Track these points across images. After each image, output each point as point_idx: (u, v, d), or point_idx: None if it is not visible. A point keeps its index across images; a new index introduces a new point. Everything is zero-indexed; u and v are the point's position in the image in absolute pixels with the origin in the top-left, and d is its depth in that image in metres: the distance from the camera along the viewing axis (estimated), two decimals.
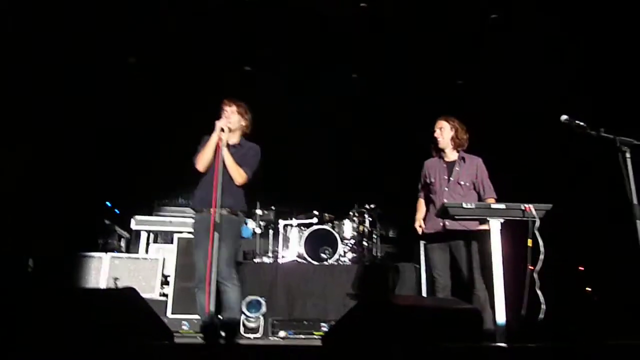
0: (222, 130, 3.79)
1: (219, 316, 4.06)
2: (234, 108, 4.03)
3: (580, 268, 5.93)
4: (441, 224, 3.91)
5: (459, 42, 6.15)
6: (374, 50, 6.38)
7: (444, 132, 4.08)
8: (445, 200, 3.83)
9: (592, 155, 4.21)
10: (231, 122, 3.96)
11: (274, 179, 6.83)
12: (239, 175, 3.88)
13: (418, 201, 4.26)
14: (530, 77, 5.98)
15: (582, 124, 3.35)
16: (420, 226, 4.15)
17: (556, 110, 3.50)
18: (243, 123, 4.07)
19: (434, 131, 4.13)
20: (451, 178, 4.02)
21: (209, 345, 3.28)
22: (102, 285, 5.36)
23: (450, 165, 4.09)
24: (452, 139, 4.06)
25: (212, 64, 6.51)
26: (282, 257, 6.35)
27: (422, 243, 5.80)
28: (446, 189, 4.01)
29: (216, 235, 3.47)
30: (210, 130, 3.85)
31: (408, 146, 7.09)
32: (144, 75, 6.61)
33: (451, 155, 4.11)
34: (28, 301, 2.56)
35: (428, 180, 4.14)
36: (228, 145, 3.94)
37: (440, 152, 4.15)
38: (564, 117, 3.40)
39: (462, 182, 4.00)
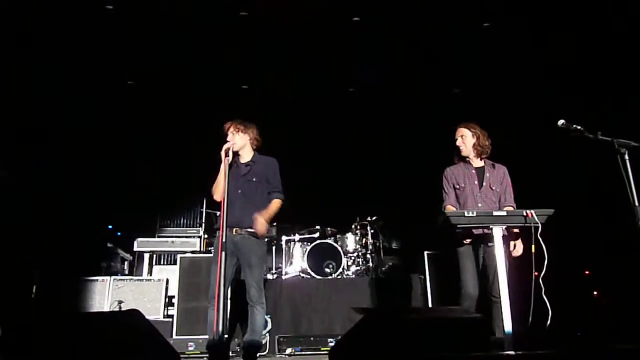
0: (227, 154, 3.82)
1: (227, 336, 4.05)
2: (232, 129, 4.08)
3: (586, 272, 5.91)
4: (475, 231, 3.75)
5: (453, 49, 6.18)
6: (369, 60, 6.41)
7: (466, 139, 4.04)
8: (480, 206, 3.85)
9: (594, 158, 4.21)
10: (235, 143, 4.01)
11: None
12: (277, 209, 4.04)
13: (446, 208, 4.04)
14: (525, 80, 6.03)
15: (579, 127, 3.36)
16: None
17: (552, 113, 3.53)
18: (248, 138, 4.10)
19: (455, 139, 4.08)
20: (483, 184, 3.99)
21: None
22: (106, 308, 5.34)
23: (480, 171, 4.04)
24: (475, 146, 4.02)
25: (211, 85, 6.56)
26: (286, 273, 6.33)
27: (426, 253, 5.80)
28: (478, 194, 3.97)
29: (224, 254, 3.49)
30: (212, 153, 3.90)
31: (408, 158, 7.14)
32: (146, 97, 6.65)
33: (477, 162, 4.07)
34: (33, 327, 2.54)
35: (457, 186, 4.04)
36: (241, 165, 4.04)
37: (463, 159, 4.10)
38: (560, 122, 3.41)
39: (494, 188, 3.99)
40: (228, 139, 4.03)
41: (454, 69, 6.47)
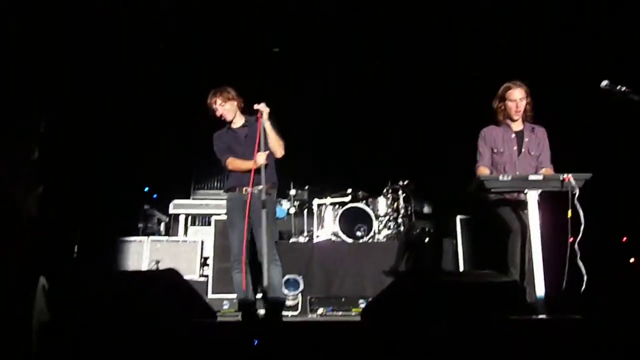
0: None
1: (258, 295, 4.16)
2: (219, 100, 4.06)
3: (623, 239, 5.79)
4: (515, 194, 3.67)
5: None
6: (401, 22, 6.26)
7: (524, 101, 3.82)
8: (517, 172, 3.70)
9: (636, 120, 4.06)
10: (229, 111, 4.05)
11: (306, 158, 6.87)
12: (280, 147, 3.97)
13: (479, 169, 3.89)
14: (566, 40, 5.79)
15: (624, 89, 3.22)
16: None
17: (594, 74, 3.40)
18: (236, 103, 4.11)
19: (513, 100, 3.81)
20: (522, 149, 3.85)
21: (252, 323, 3.36)
22: (144, 268, 5.53)
23: (519, 135, 3.89)
24: (525, 110, 3.86)
25: (243, 47, 6.52)
26: (317, 236, 6.39)
27: (458, 218, 5.78)
28: (517, 160, 3.84)
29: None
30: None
31: (440, 120, 7.02)
32: (177, 61, 6.68)
33: (517, 125, 3.91)
34: (76, 284, 2.66)
35: (495, 150, 3.90)
36: (239, 130, 4.09)
37: (507, 121, 3.91)
38: (604, 83, 3.29)
39: (532, 153, 3.85)
40: (219, 112, 4.05)
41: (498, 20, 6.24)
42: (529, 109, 3.86)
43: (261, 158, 3.85)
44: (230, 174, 4.08)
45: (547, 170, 3.78)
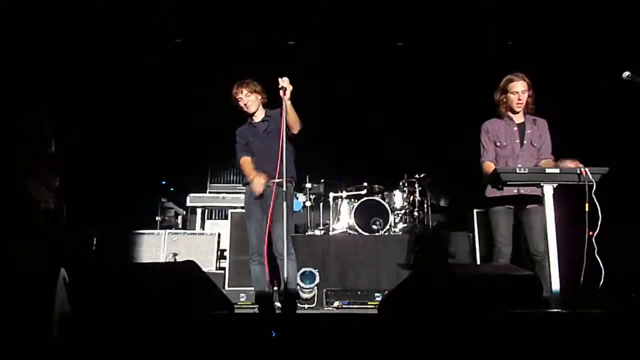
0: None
1: (274, 288, 4.19)
2: (245, 91, 4.10)
3: None
4: (515, 189, 3.71)
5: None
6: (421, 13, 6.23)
7: (526, 94, 3.81)
8: (520, 165, 3.65)
9: None
10: (252, 103, 4.11)
11: (322, 152, 6.88)
12: (297, 123, 4.00)
13: (485, 164, 3.90)
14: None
15: None
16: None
17: (614, 65, 3.35)
18: (260, 97, 4.16)
19: (514, 93, 3.80)
20: (524, 141, 3.85)
21: (269, 315, 3.39)
22: (162, 260, 5.59)
23: (521, 127, 3.88)
24: (527, 102, 3.84)
25: (257, 39, 6.55)
26: (333, 229, 6.41)
27: (475, 211, 5.75)
28: (520, 152, 3.84)
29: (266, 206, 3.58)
30: None
31: (455, 114, 6.97)
32: (192, 57, 6.73)
33: (519, 117, 3.91)
34: (96, 276, 2.71)
35: (498, 143, 3.89)
36: (259, 124, 4.16)
37: (509, 113, 3.90)
38: (626, 74, 3.24)
39: (535, 145, 3.85)
40: (242, 103, 4.10)
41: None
42: (531, 102, 3.85)
43: (257, 185, 3.93)
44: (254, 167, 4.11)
45: (548, 161, 3.78)
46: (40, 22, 5.30)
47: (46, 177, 3.88)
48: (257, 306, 4.28)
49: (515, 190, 3.72)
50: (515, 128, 3.89)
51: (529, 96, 3.82)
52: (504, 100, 3.88)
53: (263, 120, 4.18)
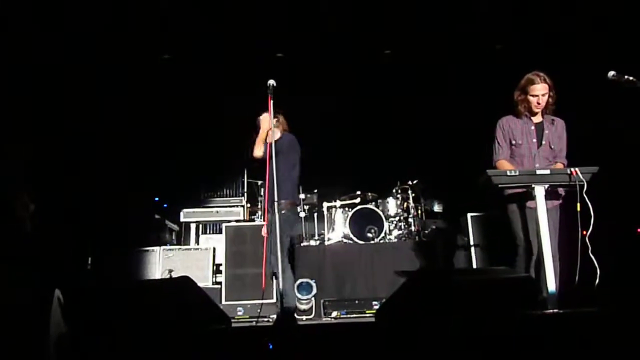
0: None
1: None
2: (276, 123, 4.31)
3: (638, 230, 5.74)
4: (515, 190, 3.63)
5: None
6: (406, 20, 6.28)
7: (547, 96, 3.71)
8: (537, 165, 3.66)
9: None
10: (275, 136, 4.24)
11: (314, 162, 6.88)
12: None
13: (499, 163, 3.81)
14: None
15: (631, 78, 3.20)
16: None
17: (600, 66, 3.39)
18: (282, 128, 4.48)
19: (534, 95, 3.69)
20: (542, 141, 3.76)
21: (268, 328, 3.38)
22: (158, 277, 5.56)
23: (539, 127, 3.80)
24: (547, 103, 3.75)
25: (246, 53, 6.58)
26: (329, 239, 6.40)
27: (469, 215, 5.76)
28: (536, 153, 3.76)
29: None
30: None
31: (446, 118, 7.01)
32: (186, 73, 6.76)
33: (538, 116, 3.82)
34: (92, 296, 2.69)
35: (513, 142, 3.80)
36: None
37: (525, 112, 3.81)
38: (611, 74, 3.27)
39: (553, 146, 3.77)
40: (268, 131, 4.27)
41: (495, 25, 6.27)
42: (551, 102, 3.74)
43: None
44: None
45: (559, 165, 3.72)
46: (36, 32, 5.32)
47: (24, 203, 3.91)
48: (255, 319, 4.30)
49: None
50: (533, 127, 3.79)
51: (550, 97, 3.72)
52: (523, 99, 3.78)
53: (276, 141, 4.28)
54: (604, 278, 3.22)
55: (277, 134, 4.39)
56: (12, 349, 2.30)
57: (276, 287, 3.74)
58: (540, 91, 3.69)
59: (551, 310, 2.99)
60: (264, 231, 4.33)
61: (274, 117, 4.23)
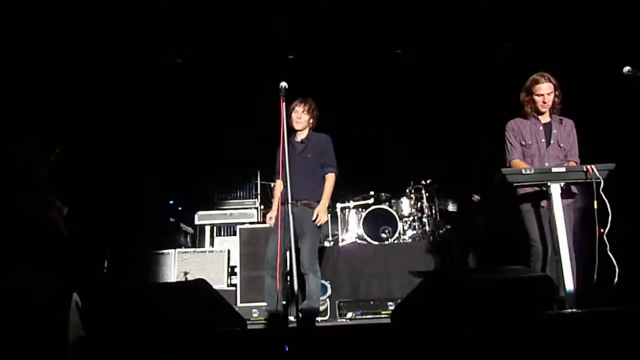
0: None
1: (285, 302, 4.19)
2: (303, 107, 4.23)
3: None
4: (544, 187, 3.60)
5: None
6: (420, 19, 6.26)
7: (552, 95, 3.76)
8: (547, 164, 3.68)
9: None
10: (301, 122, 4.22)
11: None
12: (332, 184, 4.23)
13: (513, 163, 3.84)
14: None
15: None
16: None
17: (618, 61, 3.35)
18: (310, 119, 4.30)
19: (540, 95, 3.76)
20: (551, 141, 3.80)
21: (284, 330, 3.37)
22: (173, 279, 5.59)
23: (547, 127, 3.84)
24: (554, 102, 3.80)
25: (259, 58, 6.60)
26: (343, 240, 6.40)
27: (483, 215, 5.73)
28: (545, 152, 3.79)
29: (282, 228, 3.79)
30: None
31: (459, 117, 6.98)
32: (201, 74, 6.80)
33: (545, 117, 3.86)
34: (109, 300, 2.71)
35: (523, 142, 3.85)
36: (297, 143, 4.24)
37: (535, 114, 3.86)
38: (626, 69, 3.24)
39: (562, 145, 3.80)
40: (297, 117, 4.20)
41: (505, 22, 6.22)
42: (557, 102, 3.80)
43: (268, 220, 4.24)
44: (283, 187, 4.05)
45: (572, 163, 3.73)
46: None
47: (57, 206, 3.96)
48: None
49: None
50: (541, 127, 3.85)
51: (555, 96, 3.77)
52: (530, 100, 3.84)
53: (302, 142, 4.28)
54: (623, 277, 3.18)
55: (304, 133, 4.31)
56: (30, 351, 2.33)
57: (285, 288, 3.73)
58: (545, 90, 3.75)
59: (569, 310, 2.95)
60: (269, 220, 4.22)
61: (304, 106, 4.22)
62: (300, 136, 4.29)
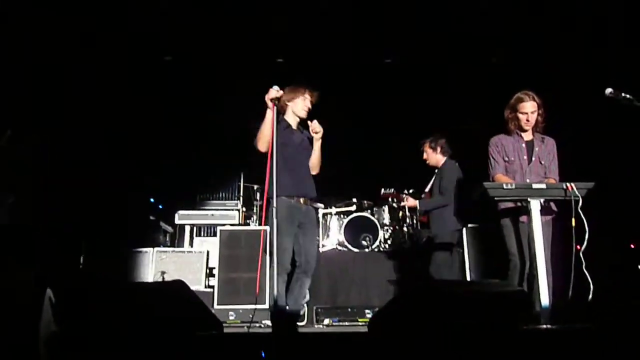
0: (274, 104, 3.74)
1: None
2: (314, 99, 4.13)
3: (632, 245, 5.76)
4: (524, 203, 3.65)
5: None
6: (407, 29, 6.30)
7: (535, 114, 3.84)
8: (528, 181, 3.75)
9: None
10: (307, 109, 4.10)
11: None
12: (318, 165, 4.12)
13: (497, 177, 3.90)
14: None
15: (629, 96, 3.23)
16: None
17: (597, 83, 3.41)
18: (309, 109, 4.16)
19: (524, 113, 3.83)
20: (532, 158, 3.89)
21: (259, 334, 3.36)
22: (150, 279, 5.52)
23: (529, 144, 3.93)
24: (537, 121, 3.88)
25: (245, 59, 6.58)
26: (323, 245, 6.39)
27: (464, 228, 5.76)
28: (527, 169, 3.87)
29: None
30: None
31: (442, 125, 7.03)
32: (182, 73, 6.75)
33: (527, 134, 3.94)
34: (85, 295, 2.67)
35: (506, 158, 3.93)
36: (297, 131, 4.09)
37: (516, 130, 3.93)
38: (608, 91, 3.30)
39: (543, 162, 3.89)
40: (304, 104, 4.06)
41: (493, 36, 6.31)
42: (541, 121, 3.88)
43: None
44: (283, 178, 3.72)
45: (552, 180, 3.78)
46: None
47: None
48: (248, 324, 4.23)
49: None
50: (524, 145, 3.94)
51: (538, 115, 3.85)
52: (513, 117, 3.92)
53: (301, 131, 4.12)
54: (597, 293, 3.23)
55: (302, 123, 4.17)
56: (2, 348, 2.28)
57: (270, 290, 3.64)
58: (529, 109, 3.83)
59: (544, 326, 2.98)
60: None
61: (314, 98, 4.12)
62: (296, 125, 4.11)
